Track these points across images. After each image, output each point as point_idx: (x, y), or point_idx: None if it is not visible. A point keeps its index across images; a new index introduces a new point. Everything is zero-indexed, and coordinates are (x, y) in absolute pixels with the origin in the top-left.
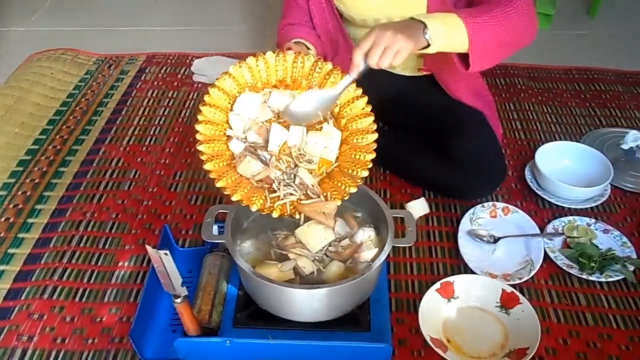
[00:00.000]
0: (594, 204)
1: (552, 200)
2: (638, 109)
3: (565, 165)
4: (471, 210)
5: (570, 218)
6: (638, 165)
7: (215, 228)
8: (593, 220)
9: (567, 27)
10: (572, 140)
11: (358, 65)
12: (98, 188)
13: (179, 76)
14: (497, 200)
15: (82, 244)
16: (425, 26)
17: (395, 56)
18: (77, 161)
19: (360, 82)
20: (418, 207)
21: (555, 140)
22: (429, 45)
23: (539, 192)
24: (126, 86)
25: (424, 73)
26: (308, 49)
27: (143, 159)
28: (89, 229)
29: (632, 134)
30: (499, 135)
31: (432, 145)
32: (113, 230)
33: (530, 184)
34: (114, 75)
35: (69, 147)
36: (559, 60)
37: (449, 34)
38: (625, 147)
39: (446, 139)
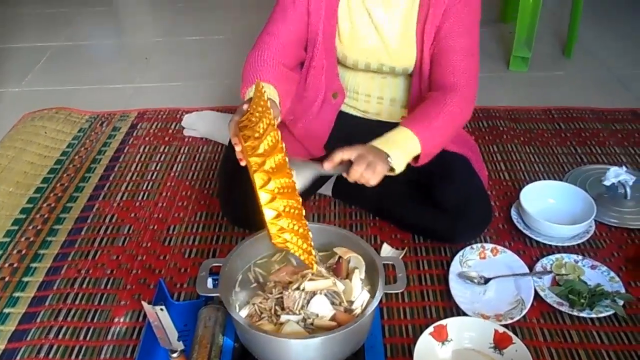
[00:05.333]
0: (580, 241)
1: (539, 239)
2: (617, 145)
3: (550, 203)
4: (460, 253)
5: (558, 256)
6: (621, 201)
7: (209, 281)
8: (580, 257)
9: (545, 69)
10: (555, 179)
11: (334, 163)
12: (93, 244)
13: (170, 131)
14: (486, 242)
15: (77, 301)
16: (388, 155)
17: (374, 175)
18: (71, 218)
19: (347, 130)
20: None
21: (539, 179)
22: (392, 169)
23: (526, 232)
24: (118, 142)
25: (386, 120)
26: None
27: (136, 214)
28: (84, 285)
29: (613, 170)
30: (484, 178)
31: (419, 192)
32: (108, 287)
33: (517, 223)
34: (107, 132)
35: (63, 204)
36: (538, 101)
37: (407, 156)
38: (607, 183)
39: (432, 185)
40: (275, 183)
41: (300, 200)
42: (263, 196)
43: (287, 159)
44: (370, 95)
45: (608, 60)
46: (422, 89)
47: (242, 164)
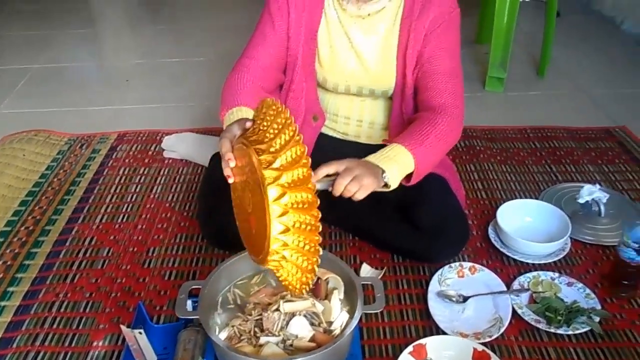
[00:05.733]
0: (556, 258)
1: (516, 257)
2: (591, 163)
3: (526, 222)
4: (439, 272)
5: (535, 273)
6: (595, 218)
7: (189, 303)
8: (557, 274)
9: (520, 89)
10: (531, 197)
11: (318, 177)
12: (71, 268)
13: (150, 153)
14: (464, 260)
15: (55, 325)
16: (383, 170)
17: (360, 190)
18: (49, 242)
19: (327, 153)
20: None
21: (516, 198)
22: (386, 185)
23: (503, 250)
24: (98, 165)
25: (365, 142)
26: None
27: (116, 237)
28: (62, 309)
29: (587, 188)
30: (461, 197)
31: (398, 212)
32: (87, 310)
33: (494, 242)
34: (86, 154)
35: (41, 227)
36: (514, 121)
37: (402, 172)
38: (581, 201)
39: (410, 206)
40: (291, 197)
41: (319, 215)
42: (274, 209)
43: (311, 173)
44: (349, 118)
45: (581, 81)
46: (403, 112)
47: (230, 180)
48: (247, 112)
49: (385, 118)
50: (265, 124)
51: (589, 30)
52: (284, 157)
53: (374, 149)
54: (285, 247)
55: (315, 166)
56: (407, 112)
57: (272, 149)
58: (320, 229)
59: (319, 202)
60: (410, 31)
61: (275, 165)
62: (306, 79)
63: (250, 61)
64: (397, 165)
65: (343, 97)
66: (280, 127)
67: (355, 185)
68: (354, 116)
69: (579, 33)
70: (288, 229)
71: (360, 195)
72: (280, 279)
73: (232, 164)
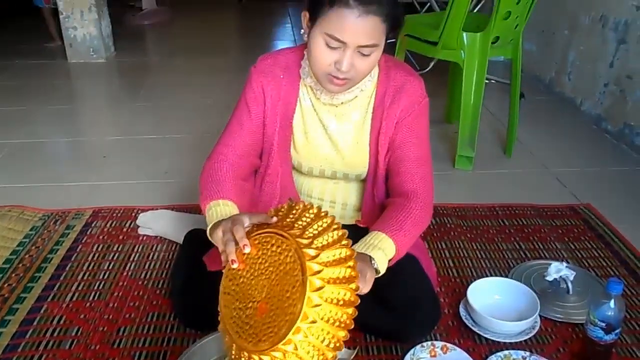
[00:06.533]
0: (527, 337)
1: (487, 336)
2: (558, 240)
3: (496, 300)
4: (411, 351)
5: (507, 352)
6: (563, 296)
7: None
8: (528, 353)
9: (488, 167)
10: (501, 275)
11: None
12: (37, 349)
13: (125, 229)
14: (436, 339)
15: None
16: (371, 258)
17: (366, 284)
18: (16, 321)
19: None
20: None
21: (486, 275)
22: (376, 271)
23: (474, 328)
24: (71, 241)
25: (360, 225)
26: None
27: (86, 315)
28: None
29: (554, 266)
30: (433, 275)
31: (369, 293)
32: None
33: (466, 320)
34: (60, 230)
35: (9, 306)
36: (483, 198)
37: (387, 258)
38: (549, 278)
39: (381, 286)
40: (329, 291)
41: (354, 313)
42: (313, 299)
43: (357, 275)
44: (323, 200)
45: (546, 159)
46: (375, 194)
47: (234, 266)
48: (232, 207)
49: (358, 199)
50: (301, 222)
51: (552, 111)
52: (328, 254)
53: (347, 228)
54: (305, 339)
55: None
56: (378, 195)
57: (315, 245)
58: (352, 326)
59: (358, 302)
60: (383, 119)
61: (321, 260)
62: (281, 164)
63: (227, 149)
64: (382, 252)
65: (317, 180)
66: (321, 228)
67: (362, 282)
68: (327, 197)
69: (542, 114)
70: (315, 321)
71: (366, 290)
72: None
73: (248, 250)
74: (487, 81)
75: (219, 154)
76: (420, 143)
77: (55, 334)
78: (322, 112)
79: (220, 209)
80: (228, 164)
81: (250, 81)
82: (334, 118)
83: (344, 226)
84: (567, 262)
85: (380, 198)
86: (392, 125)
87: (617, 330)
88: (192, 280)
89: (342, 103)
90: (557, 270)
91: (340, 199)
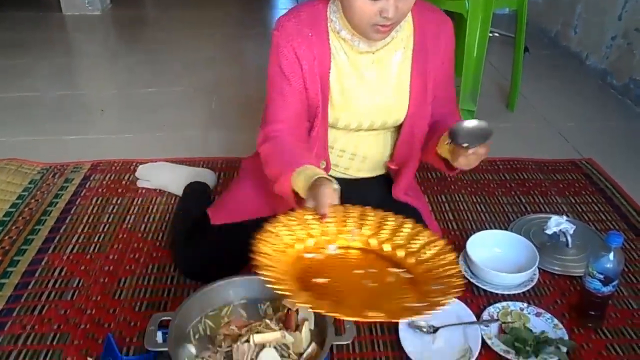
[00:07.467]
0: (525, 289)
1: (486, 288)
2: (558, 194)
3: (496, 252)
4: None
5: (504, 304)
6: (563, 249)
7: (159, 335)
8: (525, 305)
9: (490, 121)
10: (500, 229)
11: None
12: (40, 299)
13: (124, 182)
14: None
15: (21, 359)
16: None
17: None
18: (18, 272)
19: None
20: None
21: (486, 228)
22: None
23: (473, 280)
24: (70, 194)
25: (364, 176)
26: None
27: (87, 267)
28: (29, 342)
29: (554, 219)
30: (435, 229)
31: None
32: (55, 342)
33: (465, 272)
34: (59, 183)
35: (10, 258)
36: None
37: None
38: (549, 232)
39: None
40: None
41: None
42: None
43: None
44: (355, 154)
45: (548, 114)
46: (410, 141)
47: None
48: (314, 170)
49: (391, 149)
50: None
51: (556, 66)
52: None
53: (374, 181)
54: None
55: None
56: (415, 141)
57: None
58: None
59: None
60: (428, 56)
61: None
62: (322, 123)
63: (278, 125)
64: None
65: (352, 134)
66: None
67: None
68: (360, 152)
69: (546, 68)
70: None
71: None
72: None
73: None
74: (490, 34)
75: (274, 132)
76: (452, 80)
77: (57, 285)
78: (359, 62)
79: (310, 171)
80: (286, 138)
81: (279, 47)
82: (372, 65)
83: (347, 180)
84: (567, 216)
85: (419, 137)
86: (439, 63)
87: (614, 283)
88: (193, 231)
89: (379, 49)
90: (557, 223)
91: (374, 151)
